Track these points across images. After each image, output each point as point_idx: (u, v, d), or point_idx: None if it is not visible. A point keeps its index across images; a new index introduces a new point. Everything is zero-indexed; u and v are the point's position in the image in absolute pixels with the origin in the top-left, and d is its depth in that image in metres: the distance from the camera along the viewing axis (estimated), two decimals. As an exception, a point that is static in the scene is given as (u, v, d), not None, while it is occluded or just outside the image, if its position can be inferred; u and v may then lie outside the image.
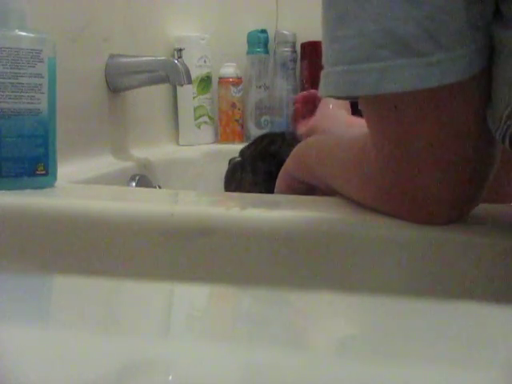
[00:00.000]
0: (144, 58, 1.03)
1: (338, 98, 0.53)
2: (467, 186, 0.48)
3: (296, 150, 0.69)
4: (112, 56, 0.99)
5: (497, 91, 0.45)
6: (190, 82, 0.98)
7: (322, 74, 0.48)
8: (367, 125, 0.50)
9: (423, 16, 0.42)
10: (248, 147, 0.88)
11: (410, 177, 0.47)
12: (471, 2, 0.43)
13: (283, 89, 1.34)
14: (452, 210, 0.49)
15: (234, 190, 0.86)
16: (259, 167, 0.83)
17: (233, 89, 1.34)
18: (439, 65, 0.43)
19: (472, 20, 0.43)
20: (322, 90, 0.49)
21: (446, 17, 0.43)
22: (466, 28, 0.43)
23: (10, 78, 0.60)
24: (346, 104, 0.78)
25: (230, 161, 0.91)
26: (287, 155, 0.71)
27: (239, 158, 0.89)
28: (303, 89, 1.34)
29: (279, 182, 0.71)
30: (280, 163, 0.74)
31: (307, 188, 0.67)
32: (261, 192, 0.79)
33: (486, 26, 0.44)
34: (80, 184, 0.74)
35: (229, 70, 1.34)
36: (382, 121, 0.49)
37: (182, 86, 1.03)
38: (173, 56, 1.25)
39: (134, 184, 0.94)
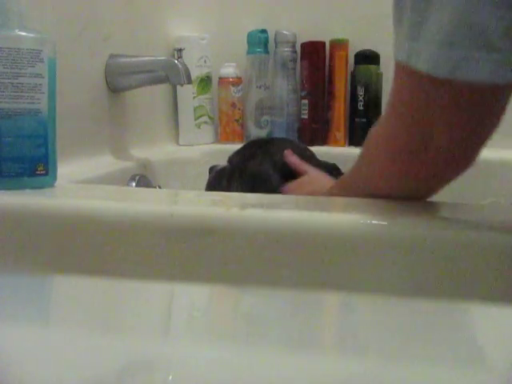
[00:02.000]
0: (144, 58, 1.03)
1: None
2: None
3: (336, 188, 0.70)
4: (112, 56, 0.99)
5: None
6: (190, 82, 0.98)
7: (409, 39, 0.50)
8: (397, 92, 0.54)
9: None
10: (236, 154, 0.87)
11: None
12: None
13: (283, 89, 1.34)
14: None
15: None
16: (244, 180, 0.83)
17: (233, 89, 1.34)
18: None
19: None
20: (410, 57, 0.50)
21: None
22: None
23: (9, 78, 0.60)
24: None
25: (212, 169, 0.89)
26: (267, 168, 0.72)
27: (222, 166, 0.88)
28: (303, 89, 1.34)
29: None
30: (260, 180, 0.75)
31: None
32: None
33: None
34: (80, 184, 0.74)
35: (229, 70, 1.34)
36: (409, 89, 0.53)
37: (182, 85, 1.03)
38: (173, 56, 1.25)
39: (133, 184, 0.94)
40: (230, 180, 0.84)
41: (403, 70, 0.52)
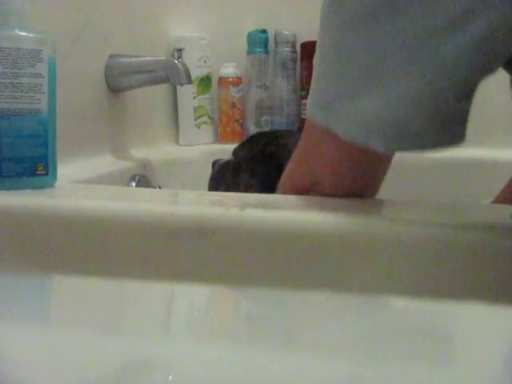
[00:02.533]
0: (144, 58, 1.03)
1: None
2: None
3: None
4: (112, 56, 0.99)
5: None
6: (190, 82, 0.98)
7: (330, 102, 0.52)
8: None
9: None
10: (241, 147, 0.86)
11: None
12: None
13: (283, 89, 1.34)
14: None
15: (224, 192, 0.84)
16: (256, 168, 0.81)
17: (233, 89, 1.34)
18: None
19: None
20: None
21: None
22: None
23: (9, 78, 0.60)
24: None
25: (215, 163, 0.88)
26: (284, 156, 0.70)
27: (226, 159, 0.87)
28: (303, 89, 1.34)
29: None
30: (278, 164, 0.73)
31: None
32: (256, 191, 0.78)
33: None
34: (80, 184, 0.74)
35: (229, 70, 1.34)
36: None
37: (182, 85, 1.03)
38: (173, 56, 1.25)
39: (133, 184, 0.94)
40: (236, 172, 0.83)
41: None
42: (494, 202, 0.76)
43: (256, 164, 0.81)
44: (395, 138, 0.48)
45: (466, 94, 0.47)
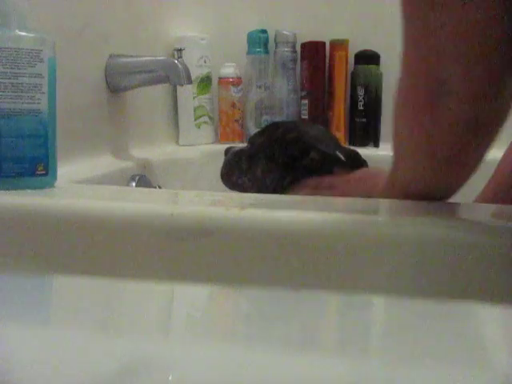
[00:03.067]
0: (144, 58, 1.03)
1: None
2: (485, 83, 0.48)
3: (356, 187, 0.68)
4: (112, 56, 0.99)
5: None
6: (190, 82, 0.98)
7: None
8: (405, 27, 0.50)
9: None
10: (259, 135, 0.84)
11: (432, 69, 0.48)
12: None
13: (283, 89, 1.34)
14: (468, 105, 0.49)
15: (237, 179, 0.84)
16: (277, 152, 0.79)
17: (233, 89, 1.34)
18: None
19: None
20: None
21: None
22: None
23: (10, 78, 0.60)
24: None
25: (228, 150, 0.87)
26: (307, 141, 0.69)
27: (240, 147, 0.86)
28: (303, 89, 1.34)
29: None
30: (302, 148, 0.73)
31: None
32: (272, 180, 0.77)
33: None
34: (80, 184, 0.74)
35: (229, 70, 1.34)
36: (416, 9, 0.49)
37: (181, 86, 1.03)
38: (173, 56, 1.25)
39: (133, 184, 0.94)
40: (253, 159, 0.82)
41: None
42: (475, 200, 0.75)
43: (277, 149, 0.79)
44: None
45: None
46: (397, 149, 0.58)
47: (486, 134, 0.51)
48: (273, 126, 0.84)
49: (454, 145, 0.52)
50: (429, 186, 0.57)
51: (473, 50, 0.47)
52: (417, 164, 0.55)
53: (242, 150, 0.84)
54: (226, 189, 0.89)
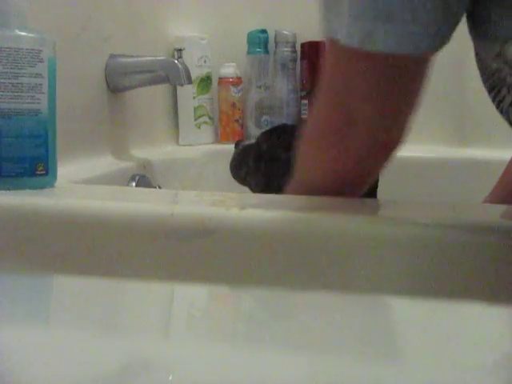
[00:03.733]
0: (144, 58, 1.03)
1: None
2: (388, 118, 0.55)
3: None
4: (112, 56, 0.99)
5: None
6: (190, 82, 0.98)
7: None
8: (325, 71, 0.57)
9: None
10: (267, 136, 0.84)
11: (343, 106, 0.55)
12: None
13: (283, 89, 1.34)
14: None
15: (245, 175, 0.84)
16: (283, 156, 0.80)
17: (233, 89, 1.34)
18: (416, 36, 0.50)
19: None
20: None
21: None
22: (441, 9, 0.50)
23: (10, 78, 0.60)
24: None
25: (238, 143, 0.88)
26: None
27: (249, 142, 0.86)
28: (303, 89, 1.34)
29: None
30: None
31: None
32: (279, 180, 0.77)
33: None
34: (80, 184, 0.74)
35: (229, 70, 1.34)
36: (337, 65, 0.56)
37: (181, 86, 1.03)
38: (173, 56, 1.25)
39: (133, 184, 0.94)
40: (259, 158, 0.82)
41: (328, 46, 0.55)
42: (483, 202, 0.76)
43: (281, 153, 0.79)
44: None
45: None
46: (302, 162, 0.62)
47: (384, 153, 0.57)
48: (281, 129, 0.84)
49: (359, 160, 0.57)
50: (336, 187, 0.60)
51: (381, 93, 0.54)
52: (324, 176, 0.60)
53: (250, 146, 0.84)
54: (226, 188, 0.89)
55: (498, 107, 0.58)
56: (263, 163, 0.81)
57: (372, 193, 0.68)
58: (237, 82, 1.35)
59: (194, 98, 1.28)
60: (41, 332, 0.30)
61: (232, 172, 0.87)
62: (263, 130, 0.89)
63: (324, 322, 0.32)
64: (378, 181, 0.70)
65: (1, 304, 0.33)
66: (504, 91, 0.56)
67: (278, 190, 0.78)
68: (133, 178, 0.95)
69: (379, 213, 0.55)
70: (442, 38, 0.51)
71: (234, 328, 0.32)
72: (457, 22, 0.51)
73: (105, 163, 0.93)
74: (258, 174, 0.82)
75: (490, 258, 0.48)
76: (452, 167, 1.18)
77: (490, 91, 0.58)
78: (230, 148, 0.91)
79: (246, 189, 0.85)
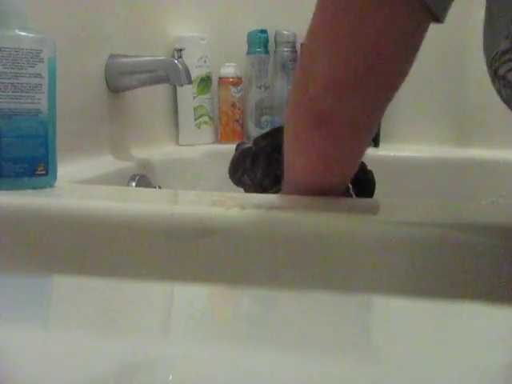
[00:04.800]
0: (144, 58, 1.02)
1: None
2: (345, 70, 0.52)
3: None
4: (112, 56, 0.99)
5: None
6: (190, 82, 0.98)
7: None
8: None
9: None
10: (263, 138, 0.86)
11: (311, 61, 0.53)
12: None
13: (283, 89, 1.34)
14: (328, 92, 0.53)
15: (241, 176, 0.86)
16: (274, 159, 0.81)
17: (233, 89, 1.34)
18: None
19: None
20: None
21: None
22: None
23: (10, 78, 0.60)
24: None
25: (239, 146, 0.89)
26: None
27: (249, 145, 0.88)
28: (303, 89, 1.34)
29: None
30: None
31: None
32: (271, 183, 0.78)
33: None
34: (80, 184, 0.74)
35: (229, 70, 1.34)
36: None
37: (181, 86, 1.03)
38: (173, 56, 1.25)
39: (133, 184, 0.94)
40: (254, 161, 0.84)
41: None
42: None
43: (276, 155, 0.81)
44: None
45: None
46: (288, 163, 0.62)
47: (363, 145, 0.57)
48: (277, 131, 0.85)
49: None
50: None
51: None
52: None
53: (248, 149, 0.86)
54: (226, 188, 0.89)
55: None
56: (258, 165, 0.82)
57: (370, 195, 0.69)
58: (237, 81, 1.35)
59: (194, 98, 1.28)
60: (40, 332, 0.30)
61: (229, 173, 0.88)
62: (261, 133, 0.90)
63: (324, 322, 0.32)
64: (374, 184, 0.70)
65: (1, 304, 0.33)
66: None
67: (271, 187, 0.80)
68: (133, 178, 0.95)
69: (379, 213, 0.55)
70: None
71: (234, 328, 0.32)
72: None
73: (105, 163, 0.93)
74: (253, 176, 0.83)
75: (490, 257, 0.48)
76: (452, 167, 1.18)
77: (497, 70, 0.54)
78: (230, 148, 0.91)
79: (245, 189, 0.85)
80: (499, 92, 0.53)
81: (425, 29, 0.52)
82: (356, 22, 0.51)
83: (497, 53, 0.50)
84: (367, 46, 0.51)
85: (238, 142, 0.90)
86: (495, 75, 0.52)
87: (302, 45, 1.33)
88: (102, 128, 0.98)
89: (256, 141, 0.86)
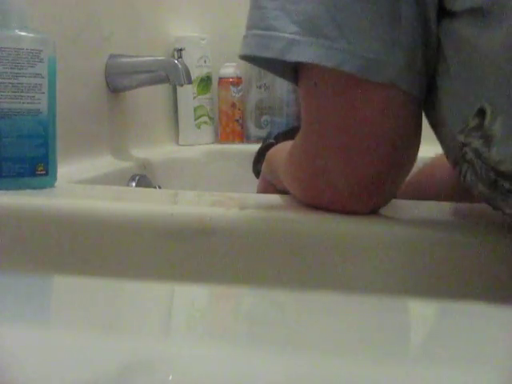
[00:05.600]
0: (144, 58, 1.03)
1: (247, 58, 0.56)
2: (371, 174, 0.49)
3: (268, 154, 0.73)
4: (112, 56, 0.99)
5: (452, 108, 0.47)
6: (190, 82, 0.98)
7: (243, 37, 0.54)
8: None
9: (332, 4, 0.47)
10: (284, 134, 0.91)
11: (317, 159, 0.51)
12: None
13: (283, 89, 1.34)
14: (353, 199, 0.50)
15: (261, 167, 0.89)
16: None
17: (233, 89, 1.34)
18: (340, 52, 0.46)
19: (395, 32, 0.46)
20: (240, 50, 0.54)
21: (358, 11, 0.46)
22: (383, 33, 0.46)
23: (10, 78, 0.60)
24: None
25: (264, 140, 0.95)
26: None
27: (272, 141, 0.92)
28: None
29: (258, 185, 0.74)
30: None
31: (280, 192, 0.66)
32: None
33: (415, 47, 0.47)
34: (80, 184, 0.74)
35: (229, 70, 1.34)
36: (305, 98, 0.53)
37: (181, 86, 1.03)
38: (173, 56, 1.25)
39: (133, 184, 0.94)
40: None
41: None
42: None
43: None
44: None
45: None
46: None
47: None
48: (297, 129, 0.87)
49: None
50: None
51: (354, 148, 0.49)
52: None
53: (270, 144, 0.90)
54: (226, 189, 0.89)
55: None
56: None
57: None
58: (237, 81, 1.35)
59: (193, 98, 1.28)
60: (40, 332, 0.30)
61: (253, 164, 0.93)
62: (260, 133, 0.95)
63: (324, 322, 0.32)
64: None
65: (1, 304, 0.33)
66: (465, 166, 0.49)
67: None
68: (133, 178, 0.95)
69: (379, 213, 0.55)
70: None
71: (234, 328, 0.32)
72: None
73: (105, 163, 0.93)
74: None
75: (489, 258, 0.48)
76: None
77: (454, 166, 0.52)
78: (230, 148, 0.91)
79: (246, 189, 0.86)
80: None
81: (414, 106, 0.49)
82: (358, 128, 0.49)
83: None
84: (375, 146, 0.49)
85: (264, 137, 0.95)
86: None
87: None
88: (102, 128, 0.98)
89: (277, 136, 0.91)
